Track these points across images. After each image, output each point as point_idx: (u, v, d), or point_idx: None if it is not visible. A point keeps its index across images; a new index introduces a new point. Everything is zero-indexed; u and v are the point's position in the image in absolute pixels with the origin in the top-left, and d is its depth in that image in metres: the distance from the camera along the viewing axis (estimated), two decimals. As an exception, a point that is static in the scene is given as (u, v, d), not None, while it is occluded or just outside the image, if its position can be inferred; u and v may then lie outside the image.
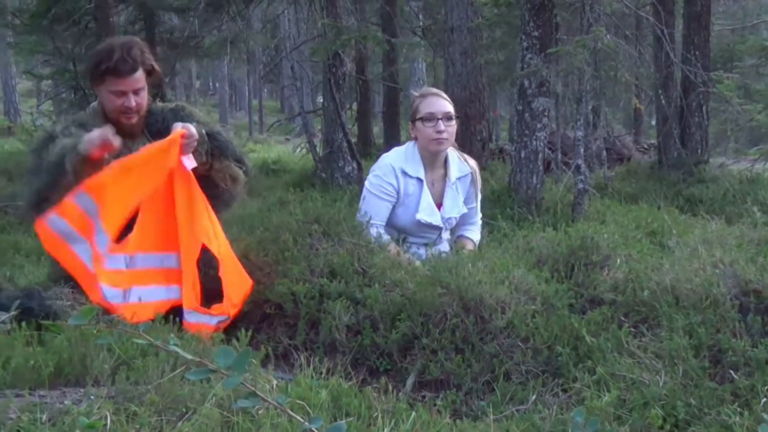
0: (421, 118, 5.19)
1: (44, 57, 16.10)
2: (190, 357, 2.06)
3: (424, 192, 5.27)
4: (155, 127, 4.65)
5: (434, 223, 5.27)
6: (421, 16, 20.34)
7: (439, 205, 5.34)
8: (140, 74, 4.52)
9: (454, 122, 5.23)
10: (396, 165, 5.24)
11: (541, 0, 8.33)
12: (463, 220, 5.55)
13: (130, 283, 4.08)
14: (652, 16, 11.35)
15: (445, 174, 5.39)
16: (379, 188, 5.20)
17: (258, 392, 2.10)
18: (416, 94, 5.46)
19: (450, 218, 5.38)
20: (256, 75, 41.29)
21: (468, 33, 11.44)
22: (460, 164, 5.44)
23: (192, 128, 4.36)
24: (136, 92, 4.51)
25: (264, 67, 34.11)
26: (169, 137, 4.26)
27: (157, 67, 4.68)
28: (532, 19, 8.44)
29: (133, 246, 4.14)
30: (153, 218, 4.26)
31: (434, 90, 5.41)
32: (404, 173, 5.23)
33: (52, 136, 4.45)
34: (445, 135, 5.18)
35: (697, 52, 11.68)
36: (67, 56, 13.94)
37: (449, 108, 5.22)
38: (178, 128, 4.31)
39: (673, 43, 11.56)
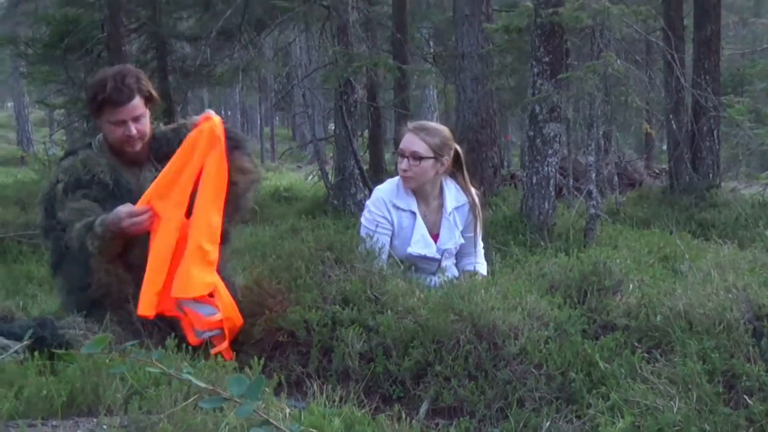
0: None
1: (57, 86, 16.18)
2: (203, 385, 2.06)
3: (417, 224, 5.23)
4: (161, 151, 4.63)
5: (429, 255, 5.21)
6: (432, 43, 20.43)
7: (436, 236, 5.30)
8: (137, 101, 4.49)
9: (425, 163, 5.13)
10: (387, 199, 5.22)
11: (551, 26, 8.34)
12: (462, 250, 5.49)
13: None
14: (663, 41, 11.37)
15: (442, 205, 5.35)
16: (374, 222, 5.18)
17: (271, 420, 2.09)
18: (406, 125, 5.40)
19: (447, 249, 5.33)
20: (267, 103, 41.41)
21: (479, 59, 11.48)
22: (457, 194, 5.37)
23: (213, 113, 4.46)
24: (135, 119, 4.48)
25: (276, 94, 34.21)
26: (199, 129, 4.39)
27: (154, 92, 4.65)
28: (542, 44, 8.46)
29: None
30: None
31: (417, 125, 5.28)
32: (396, 207, 5.22)
33: (57, 182, 4.53)
34: (408, 173, 5.15)
35: (707, 77, 11.69)
36: (79, 85, 14.00)
37: (417, 148, 5.11)
38: (203, 116, 4.46)
39: (684, 67, 11.59)
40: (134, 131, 4.48)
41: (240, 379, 1.96)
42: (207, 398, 2.10)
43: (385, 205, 5.20)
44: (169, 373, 2.22)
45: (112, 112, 4.44)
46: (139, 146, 4.57)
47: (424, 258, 5.20)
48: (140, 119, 4.52)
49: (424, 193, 5.28)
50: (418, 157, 5.11)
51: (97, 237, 4.22)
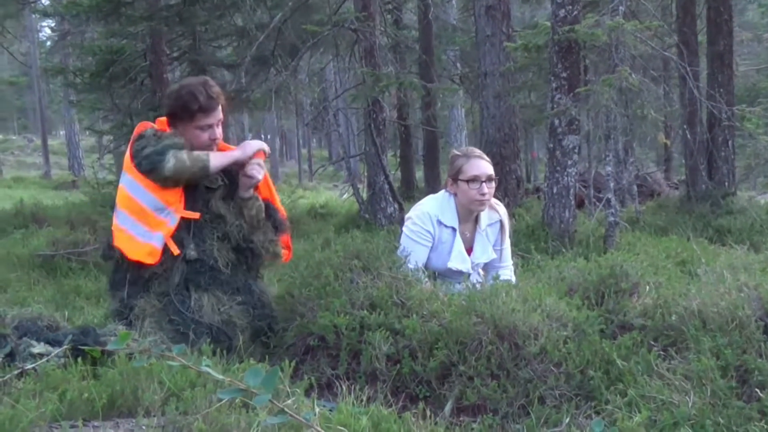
0: (466, 180, 5.16)
1: (104, 113, 16.34)
2: (220, 377, 2.05)
3: (456, 241, 5.24)
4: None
5: (464, 270, 5.21)
6: (459, 65, 20.42)
7: (470, 250, 5.32)
8: (219, 108, 4.67)
9: (494, 183, 5.20)
10: (433, 213, 5.21)
11: (568, 43, 8.32)
12: (492, 263, 5.49)
13: None
14: (677, 56, 11.30)
15: (476, 222, 5.36)
16: (418, 234, 5.16)
17: (289, 412, 2.08)
18: (458, 153, 5.38)
19: (479, 263, 5.36)
20: (304, 125, 41.65)
21: (500, 77, 11.46)
22: (490, 213, 5.38)
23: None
24: (218, 124, 4.68)
25: (309, 115, 34.41)
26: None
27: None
28: (560, 61, 8.43)
29: None
30: None
31: (477, 152, 5.31)
32: (440, 222, 5.21)
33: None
34: (487, 196, 5.17)
35: (721, 90, 11.64)
36: (124, 112, 14.14)
37: (491, 171, 5.19)
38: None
39: (698, 81, 11.50)
40: (217, 134, 4.67)
41: (256, 371, 1.95)
42: (225, 389, 2.09)
43: (430, 219, 5.19)
44: (188, 365, 2.21)
45: (203, 117, 4.60)
46: (215, 149, 4.72)
47: (459, 272, 5.19)
48: (220, 124, 4.71)
49: (469, 214, 5.30)
50: (492, 179, 5.17)
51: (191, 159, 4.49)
